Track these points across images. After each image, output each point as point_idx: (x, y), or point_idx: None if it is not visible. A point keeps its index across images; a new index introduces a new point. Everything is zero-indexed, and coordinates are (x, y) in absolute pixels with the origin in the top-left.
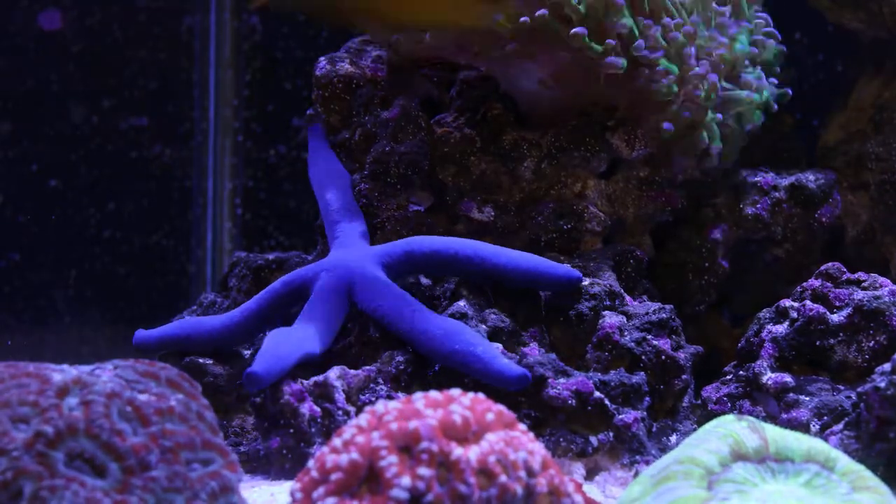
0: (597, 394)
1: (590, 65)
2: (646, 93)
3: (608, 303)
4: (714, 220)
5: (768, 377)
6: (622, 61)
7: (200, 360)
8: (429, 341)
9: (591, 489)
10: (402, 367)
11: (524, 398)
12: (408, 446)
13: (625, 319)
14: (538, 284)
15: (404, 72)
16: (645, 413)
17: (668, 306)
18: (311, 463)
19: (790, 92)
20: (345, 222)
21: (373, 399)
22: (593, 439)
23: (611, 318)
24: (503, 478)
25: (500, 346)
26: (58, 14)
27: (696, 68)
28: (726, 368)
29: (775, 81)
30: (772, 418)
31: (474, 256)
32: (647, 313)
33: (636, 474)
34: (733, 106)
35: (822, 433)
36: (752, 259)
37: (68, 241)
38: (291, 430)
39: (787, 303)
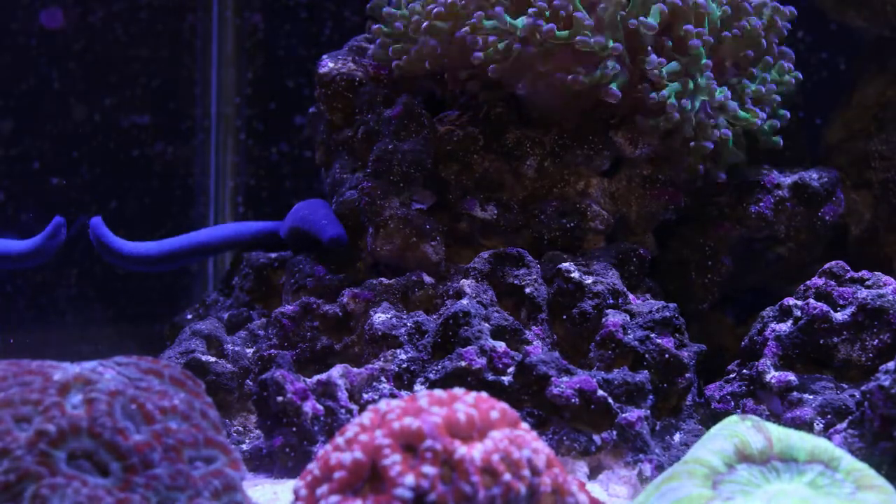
0: (600, 392)
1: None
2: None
3: (611, 301)
4: (717, 219)
5: (772, 375)
6: (620, 94)
7: (203, 359)
8: (293, 216)
9: (594, 488)
10: (404, 366)
11: (528, 396)
12: (411, 445)
13: (628, 318)
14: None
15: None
16: (648, 411)
17: (671, 305)
18: (314, 461)
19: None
20: None
21: (376, 397)
22: (597, 438)
23: (614, 317)
24: (507, 476)
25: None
26: (59, 12)
27: (712, 83)
28: (730, 367)
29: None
30: (775, 417)
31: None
32: (650, 311)
33: (639, 473)
34: (738, 123)
35: (826, 432)
36: (755, 257)
37: (70, 240)
38: (294, 429)
39: (790, 301)
